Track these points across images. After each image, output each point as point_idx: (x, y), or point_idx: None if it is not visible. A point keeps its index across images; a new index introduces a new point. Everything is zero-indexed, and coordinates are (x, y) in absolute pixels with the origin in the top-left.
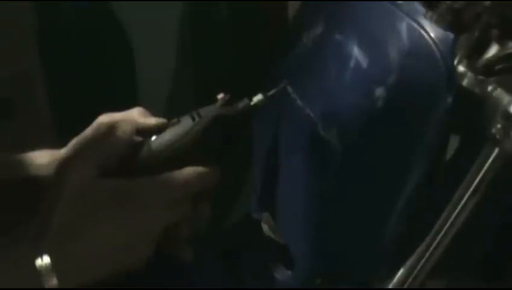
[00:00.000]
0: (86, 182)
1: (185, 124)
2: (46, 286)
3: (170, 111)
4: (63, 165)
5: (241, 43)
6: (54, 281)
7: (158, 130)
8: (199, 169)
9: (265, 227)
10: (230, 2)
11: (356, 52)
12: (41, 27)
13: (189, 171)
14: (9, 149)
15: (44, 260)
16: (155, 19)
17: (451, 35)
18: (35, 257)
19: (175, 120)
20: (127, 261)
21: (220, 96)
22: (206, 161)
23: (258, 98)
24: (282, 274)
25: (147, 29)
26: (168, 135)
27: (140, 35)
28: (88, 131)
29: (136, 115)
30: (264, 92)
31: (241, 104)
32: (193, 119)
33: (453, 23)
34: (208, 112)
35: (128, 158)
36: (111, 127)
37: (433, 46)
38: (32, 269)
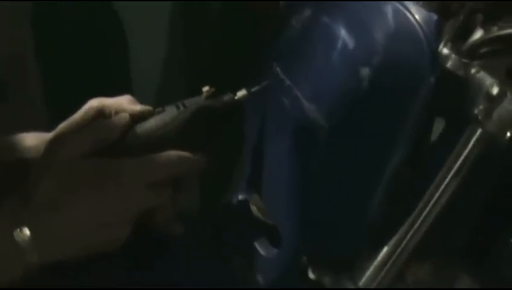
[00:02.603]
0: (71, 159)
1: (170, 113)
2: (26, 261)
3: (162, 100)
4: (51, 143)
5: (233, 34)
6: (33, 256)
7: (144, 116)
8: (181, 153)
9: (253, 208)
10: None
11: (343, 34)
12: (35, 10)
13: (171, 154)
14: (2, 132)
15: (23, 232)
16: (149, 9)
17: (435, 17)
18: (15, 229)
19: (160, 109)
20: (103, 240)
21: (205, 88)
22: (189, 149)
23: (242, 93)
24: (268, 252)
25: (140, 20)
26: (153, 121)
27: (134, 24)
28: (78, 113)
29: (124, 102)
30: (248, 88)
31: (225, 98)
32: (178, 108)
33: (439, 9)
34: (193, 103)
35: (113, 141)
36: (100, 111)
37: (418, 27)
38: (12, 242)
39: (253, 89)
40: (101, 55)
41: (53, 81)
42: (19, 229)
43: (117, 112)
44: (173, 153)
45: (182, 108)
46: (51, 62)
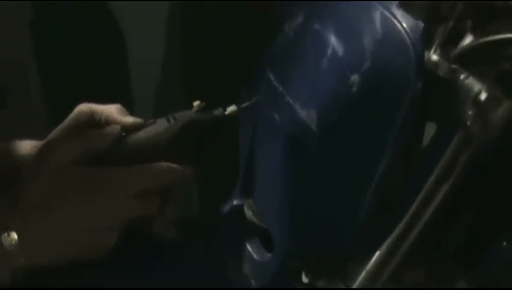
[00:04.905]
0: (61, 166)
1: (161, 125)
2: (13, 265)
3: (161, 102)
4: (42, 149)
5: (228, 39)
6: (20, 260)
7: (134, 128)
8: (171, 165)
9: (248, 213)
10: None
11: (333, 40)
12: (35, 16)
13: (160, 165)
14: (3, 138)
15: (11, 236)
16: (147, 15)
17: (421, 24)
18: (3, 233)
19: (151, 121)
20: (90, 246)
21: (196, 103)
22: (178, 161)
23: (231, 108)
24: (262, 257)
25: (139, 24)
26: (143, 133)
27: (133, 28)
28: (68, 119)
29: (114, 111)
30: (238, 103)
31: (216, 112)
32: (168, 121)
33: (429, 14)
34: (183, 116)
35: (104, 150)
36: (89, 116)
37: (404, 34)
38: None
39: (243, 105)
40: (101, 60)
41: (53, 86)
42: (6, 233)
43: (107, 120)
44: (163, 164)
45: (172, 121)
46: (51, 68)
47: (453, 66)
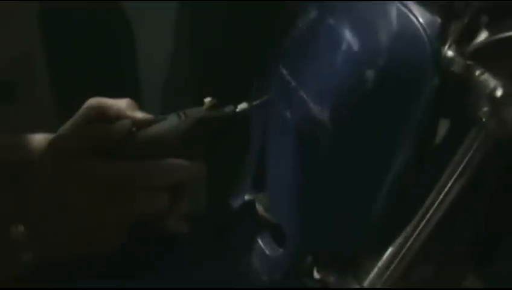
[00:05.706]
0: (71, 160)
1: (171, 121)
2: (22, 259)
3: (170, 100)
4: (52, 143)
5: (240, 35)
6: (28, 254)
7: (145, 124)
8: (180, 161)
9: (259, 207)
10: None
11: (348, 35)
12: (43, 9)
13: (170, 161)
14: (11, 132)
15: (19, 230)
16: (157, 8)
17: (438, 20)
18: (11, 226)
19: (161, 117)
20: (98, 241)
21: (207, 99)
22: (189, 158)
23: (243, 106)
24: (274, 252)
25: (148, 20)
26: (154, 129)
27: (142, 24)
28: (78, 114)
29: (125, 106)
30: (249, 100)
31: (227, 110)
32: (179, 117)
33: (444, 10)
34: (194, 113)
35: (113, 144)
36: (99, 111)
37: (421, 29)
38: (7, 239)
39: (254, 103)
40: (109, 55)
41: (61, 81)
42: (15, 227)
43: (118, 116)
44: (173, 161)
45: (183, 117)
46: (59, 62)
47: (469, 62)
